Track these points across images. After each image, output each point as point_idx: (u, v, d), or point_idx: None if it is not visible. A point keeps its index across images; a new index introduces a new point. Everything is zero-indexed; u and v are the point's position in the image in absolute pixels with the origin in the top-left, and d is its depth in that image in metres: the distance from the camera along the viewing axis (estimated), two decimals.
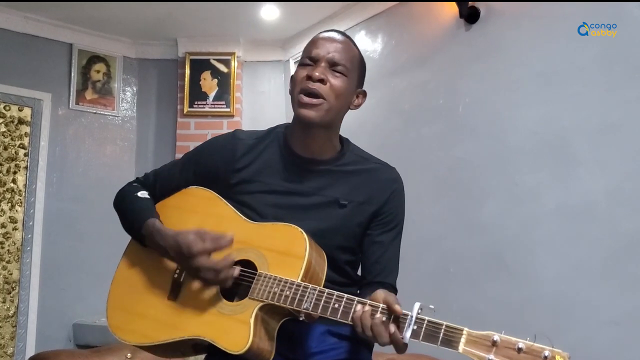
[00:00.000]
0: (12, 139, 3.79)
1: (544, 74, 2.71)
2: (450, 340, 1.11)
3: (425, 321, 1.15)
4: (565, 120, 2.60)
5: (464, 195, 3.00)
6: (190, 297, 1.42)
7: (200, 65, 4.21)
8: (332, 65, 1.49)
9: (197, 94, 4.18)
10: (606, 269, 2.41)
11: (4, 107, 3.78)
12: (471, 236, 2.92)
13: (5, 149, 3.75)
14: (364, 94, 1.63)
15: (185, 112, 4.16)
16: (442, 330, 1.13)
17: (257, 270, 1.37)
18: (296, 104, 1.49)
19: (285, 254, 1.36)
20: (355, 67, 1.55)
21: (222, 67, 4.21)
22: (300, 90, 1.48)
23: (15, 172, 3.77)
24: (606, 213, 2.44)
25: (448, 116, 3.13)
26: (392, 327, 1.18)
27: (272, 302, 1.30)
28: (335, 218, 1.49)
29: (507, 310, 2.66)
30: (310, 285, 1.29)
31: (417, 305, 1.17)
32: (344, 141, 1.63)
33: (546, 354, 1.03)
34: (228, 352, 1.28)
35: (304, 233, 1.36)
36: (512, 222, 2.75)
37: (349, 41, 1.56)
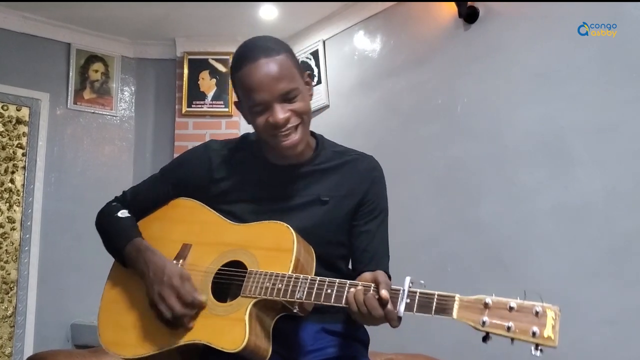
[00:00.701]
0: (10, 139, 3.78)
1: (543, 74, 2.71)
2: (444, 308, 1.13)
3: (417, 293, 1.17)
4: (564, 120, 2.61)
5: (462, 194, 3.00)
6: None
7: (198, 65, 4.21)
8: (282, 97, 1.42)
9: (196, 94, 4.18)
10: (603, 268, 2.41)
11: (2, 107, 3.77)
12: (469, 235, 2.92)
13: (3, 148, 3.75)
14: (309, 76, 1.54)
15: (183, 112, 4.15)
16: (435, 299, 1.15)
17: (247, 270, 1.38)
18: (272, 145, 1.47)
19: (274, 250, 1.37)
20: (296, 73, 1.46)
21: (220, 67, 4.20)
22: (269, 135, 1.45)
23: (13, 172, 3.77)
24: (603, 212, 2.44)
25: (446, 116, 3.13)
26: (388, 297, 1.19)
27: (266, 297, 1.30)
28: (319, 215, 1.51)
29: None
30: (302, 275, 1.30)
31: (408, 279, 1.19)
32: (318, 138, 1.62)
33: (537, 309, 1.05)
34: (225, 351, 1.28)
35: (290, 228, 1.38)
36: (510, 222, 2.76)
37: (278, 57, 1.43)
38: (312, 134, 1.61)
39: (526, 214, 2.70)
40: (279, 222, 1.40)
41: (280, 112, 1.41)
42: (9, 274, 3.67)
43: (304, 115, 1.46)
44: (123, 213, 1.58)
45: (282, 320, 1.39)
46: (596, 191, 2.46)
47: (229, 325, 1.31)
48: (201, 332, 1.35)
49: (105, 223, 1.61)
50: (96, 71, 4.16)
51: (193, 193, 1.57)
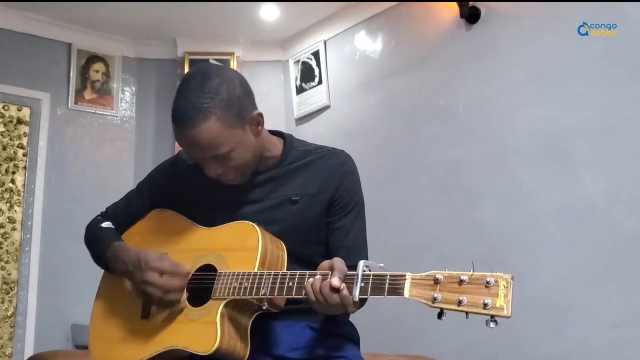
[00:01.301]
0: (10, 139, 3.78)
1: (544, 75, 2.71)
2: (396, 287, 1.12)
3: (371, 276, 1.16)
4: (565, 121, 2.60)
5: (464, 196, 3.00)
6: (160, 312, 1.45)
7: None
8: (215, 159, 1.40)
9: None
10: (605, 270, 2.40)
11: (3, 107, 3.77)
12: (470, 237, 2.91)
13: (4, 148, 3.74)
14: (258, 116, 1.46)
15: None
16: (387, 280, 1.14)
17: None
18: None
19: (241, 249, 1.39)
20: (228, 134, 1.37)
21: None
22: (213, 179, 1.46)
23: (14, 172, 3.76)
24: (606, 214, 2.43)
25: (448, 117, 3.13)
26: (339, 285, 1.19)
27: (234, 297, 1.31)
28: (290, 215, 1.51)
29: None
30: (266, 272, 1.31)
31: (361, 262, 1.17)
32: (286, 139, 1.59)
33: (488, 280, 1.03)
34: (200, 354, 1.30)
35: (255, 225, 1.39)
36: (512, 223, 2.75)
37: (202, 127, 1.34)
38: (281, 134, 1.60)
39: (528, 216, 2.69)
40: (244, 221, 1.42)
41: (212, 170, 1.42)
42: (9, 274, 3.67)
43: (242, 167, 1.44)
44: (107, 224, 1.65)
45: (268, 318, 1.41)
46: (599, 193, 2.46)
47: (202, 328, 1.34)
48: (177, 338, 1.37)
49: (90, 235, 1.70)
50: (97, 71, 4.16)
51: (168, 203, 1.62)
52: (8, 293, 3.65)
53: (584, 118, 2.54)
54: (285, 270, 1.34)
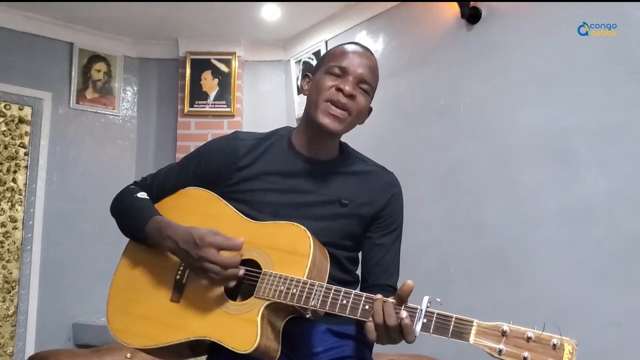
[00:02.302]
0: (12, 138, 3.78)
1: (545, 75, 2.71)
2: (461, 332, 1.13)
3: (435, 314, 1.16)
4: (567, 121, 2.60)
5: (465, 195, 3.00)
6: (194, 298, 1.41)
7: (201, 65, 4.21)
8: (360, 82, 1.50)
9: (198, 94, 4.18)
10: (607, 269, 2.40)
11: (5, 106, 3.78)
12: (472, 237, 2.91)
13: (6, 148, 3.75)
14: (371, 110, 1.63)
15: (185, 111, 4.15)
16: (452, 322, 1.14)
17: (261, 270, 1.36)
18: (320, 111, 1.49)
19: (290, 253, 1.36)
20: (375, 89, 1.58)
21: (222, 67, 4.20)
22: (327, 99, 1.49)
23: (15, 171, 3.77)
24: (607, 214, 2.43)
25: (449, 117, 3.13)
26: (404, 313, 1.18)
27: (279, 301, 1.30)
28: (336, 216, 1.51)
29: (507, 311, 2.65)
30: (317, 283, 1.29)
31: (426, 298, 1.17)
32: (342, 144, 1.65)
33: (555, 342, 1.05)
34: (236, 351, 1.28)
35: (308, 231, 1.36)
36: (513, 223, 2.75)
37: (376, 63, 1.57)
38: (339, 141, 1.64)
39: (530, 215, 2.69)
40: (296, 224, 1.39)
41: (352, 87, 1.48)
42: (10, 273, 3.67)
43: (358, 112, 1.51)
44: (142, 194, 1.57)
45: (288, 321, 1.39)
46: (600, 192, 2.46)
47: (240, 325, 1.31)
48: (212, 329, 1.34)
49: (123, 204, 1.59)
50: (99, 71, 4.16)
51: (213, 182, 1.55)
52: (9, 292, 3.66)
53: (585, 118, 2.54)
54: (337, 285, 1.30)
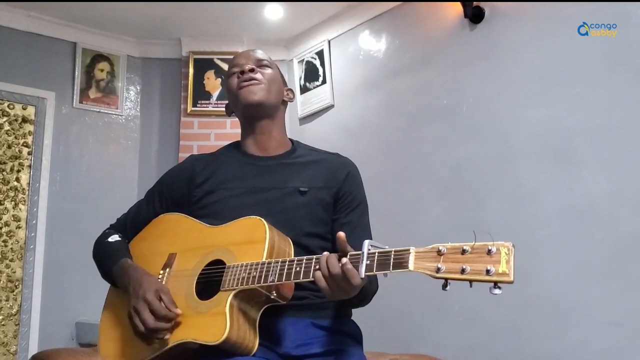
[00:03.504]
0: (15, 138, 3.79)
1: (548, 75, 2.71)
2: (400, 261, 1.15)
3: (376, 253, 1.19)
4: (569, 121, 2.60)
5: (467, 195, 3.00)
6: None
7: (204, 65, 4.21)
8: (255, 62, 1.68)
9: (201, 93, 4.18)
10: (608, 269, 2.40)
11: (8, 106, 3.79)
12: (473, 237, 2.91)
13: (9, 147, 3.76)
14: (291, 90, 1.78)
15: (188, 111, 4.16)
16: (392, 255, 1.16)
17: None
18: (238, 97, 1.65)
19: (249, 243, 1.42)
20: (275, 66, 1.73)
21: (225, 67, 4.20)
22: (237, 85, 1.65)
23: (18, 171, 3.78)
24: (609, 214, 2.43)
25: (452, 116, 3.13)
26: (344, 259, 1.22)
27: (243, 287, 1.33)
28: (299, 205, 1.57)
29: (509, 311, 2.66)
30: (274, 260, 1.34)
31: (366, 242, 1.21)
32: (294, 141, 1.76)
33: (490, 248, 1.06)
34: (209, 345, 1.31)
35: (262, 219, 1.42)
36: (515, 223, 2.75)
37: (262, 52, 1.75)
38: (290, 138, 1.76)
39: (531, 215, 2.69)
40: (251, 216, 1.45)
41: (249, 65, 1.65)
42: (14, 272, 3.68)
43: (269, 79, 1.66)
44: (113, 238, 1.68)
45: (271, 315, 1.43)
46: (602, 192, 2.46)
47: (211, 319, 1.35)
48: (187, 331, 1.38)
49: (98, 250, 1.71)
50: (102, 70, 4.17)
51: (179, 205, 1.66)
52: (13, 291, 3.67)
53: (587, 118, 2.54)
54: (291, 258, 1.35)
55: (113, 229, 1.75)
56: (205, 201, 1.61)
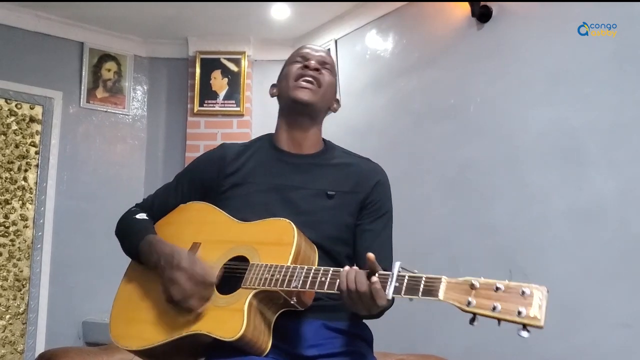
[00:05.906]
0: (23, 137, 3.81)
1: (556, 74, 2.69)
2: (431, 289, 1.13)
3: (406, 277, 1.17)
4: (576, 121, 2.59)
5: (474, 195, 2.98)
6: None
7: (210, 64, 4.22)
8: (322, 63, 1.65)
9: (208, 93, 4.19)
10: (617, 270, 2.39)
11: (16, 105, 3.80)
12: (481, 237, 2.90)
13: (17, 147, 3.78)
14: (338, 101, 1.76)
15: (195, 111, 4.16)
16: (422, 281, 1.14)
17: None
18: (291, 89, 1.61)
19: (275, 244, 1.41)
20: (335, 74, 1.72)
21: (232, 66, 4.21)
22: (296, 76, 1.62)
23: (26, 170, 3.80)
24: (617, 214, 2.42)
25: (459, 116, 3.12)
26: (374, 278, 1.20)
27: (264, 288, 1.33)
28: (324, 209, 1.55)
29: None
30: (299, 266, 1.33)
31: (397, 263, 1.19)
32: (327, 142, 1.74)
33: (524, 290, 1.04)
34: (223, 340, 1.31)
35: (292, 223, 1.42)
36: (522, 223, 2.74)
37: (330, 55, 1.77)
38: (323, 139, 1.74)
39: (539, 216, 2.68)
40: (281, 218, 1.45)
41: (316, 63, 1.63)
42: (21, 271, 3.70)
43: (326, 85, 1.64)
44: (141, 215, 1.66)
45: (284, 316, 1.42)
46: (610, 192, 2.44)
47: (228, 315, 1.34)
48: (202, 323, 1.38)
49: (123, 226, 1.68)
50: (109, 70, 4.18)
51: (207, 192, 1.64)
52: (20, 290, 3.68)
53: (594, 117, 2.52)
54: (317, 266, 1.34)
55: (139, 207, 1.73)
56: (232, 193, 1.60)
